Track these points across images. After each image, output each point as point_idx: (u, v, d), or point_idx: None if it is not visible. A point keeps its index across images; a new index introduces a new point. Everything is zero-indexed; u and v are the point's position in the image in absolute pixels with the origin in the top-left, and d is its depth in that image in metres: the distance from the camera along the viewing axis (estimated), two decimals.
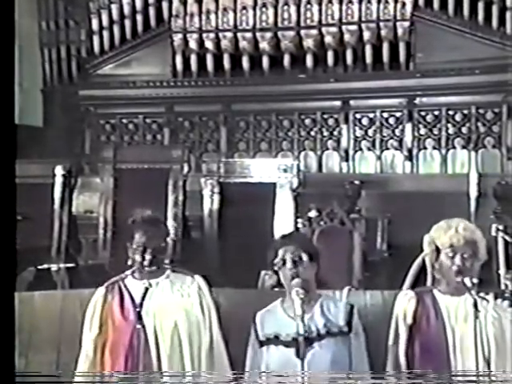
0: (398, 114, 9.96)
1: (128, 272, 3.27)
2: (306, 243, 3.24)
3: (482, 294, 3.06)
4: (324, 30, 10.01)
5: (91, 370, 3.18)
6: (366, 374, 2.96)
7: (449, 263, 3.14)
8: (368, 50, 9.93)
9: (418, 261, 3.35)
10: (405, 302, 3.20)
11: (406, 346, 3.14)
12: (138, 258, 3.21)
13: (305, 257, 3.12)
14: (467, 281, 3.07)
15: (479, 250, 3.18)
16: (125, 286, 3.27)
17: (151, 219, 3.32)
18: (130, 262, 3.25)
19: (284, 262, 3.11)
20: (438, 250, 3.19)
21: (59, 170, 6.92)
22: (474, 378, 2.84)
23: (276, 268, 3.14)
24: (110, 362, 3.17)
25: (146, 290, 3.16)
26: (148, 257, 3.20)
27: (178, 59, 10.45)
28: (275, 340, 3.10)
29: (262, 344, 3.13)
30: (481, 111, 9.62)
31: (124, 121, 10.61)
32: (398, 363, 3.13)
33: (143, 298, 3.16)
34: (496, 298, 3.18)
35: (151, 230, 3.24)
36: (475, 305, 2.95)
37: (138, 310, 3.16)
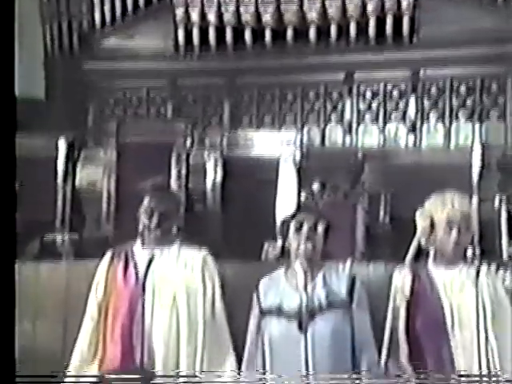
0: (401, 87, 9.92)
1: (138, 240, 3.33)
2: (324, 215, 3.24)
3: (477, 263, 3.10)
4: (327, 2, 9.95)
5: (94, 332, 3.23)
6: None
7: (445, 237, 3.17)
8: (372, 22, 9.86)
9: (417, 236, 3.36)
10: (400, 279, 3.23)
11: (406, 322, 3.16)
12: (145, 220, 3.27)
13: (321, 227, 3.13)
14: (469, 252, 3.11)
15: (472, 223, 3.22)
16: (131, 253, 3.31)
17: (160, 185, 3.40)
18: (140, 227, 3.30)
19: (301, 226, 3.12)
20: (432, 224, 3.21)
21: (62, 143, 6.92)
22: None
23: (291, 231, 3.13)
24: (111, 326, 3.21)
25: (150, 261, 3.18)
26: (155, 220, 3.25)
27: (180, 33, 10.40)
28: (278, 311, 3.10)
29: (264, 313, 3.13)
30: (485, 83, 9.58)
31: (127, 94, 10.60)
32: (397, 340, 3.16)
33: (147, 270, 3.18)
34: (498, 268, 3.21)
35: (159, 194, 3.31)
36: (477, 274, 2.98)
37: (142, 281, 3.18)
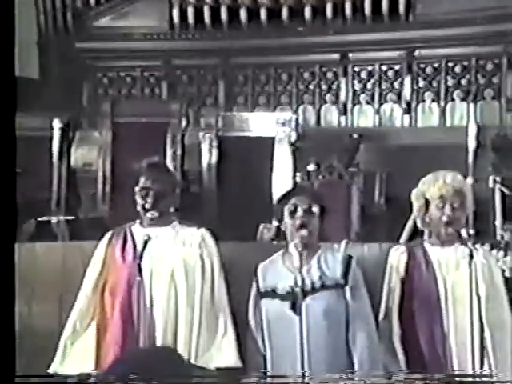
0: (396, 67, 9.90)
1: (137, 220, 3.33)
2: (318, 197, 3.24)
3: (471, 243, 3.11)
4: None
5: (88, 308, 3.25)
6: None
7: (438, 214, 3.17)
8: (367, 1, 9.81)
9: (413, 215, 3.37)
10: (396, 257, 3.24)
11: (400, 302, 3.18)
12: (140, 200, 3.27)
13: (316, 210, 3.13)
14: (463, 232, 3.11)
15: (467, 200, 3.21)
16: (130, 232, 3.32)
17: (155, 164, 3.39)
18: (138, 208, 3.31)
19: (295, 209, 3.12)
20: (427, 203, 3.22)
21: (57, 123, 6.92)
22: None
23: (285, 215, 3.13)
24: (110, 302, 3.23)
25: (146, 242, 3.19)
26: (150, 200, 3.25)
27: (175, 12, 10.34)
28: (272, 293, 3.11)
29: (261, 295, 3.15)
30: (481, 62, 9.55)
31: (121, 74, 10.54)
32: (390, 318, 3.18)
33: (143, 250, 3.19)
34: (492, 248, 3.23)
35: (155, 174, 3.30)
36: (471, 255, 2.99)
37: (139, 261, 3.19)
